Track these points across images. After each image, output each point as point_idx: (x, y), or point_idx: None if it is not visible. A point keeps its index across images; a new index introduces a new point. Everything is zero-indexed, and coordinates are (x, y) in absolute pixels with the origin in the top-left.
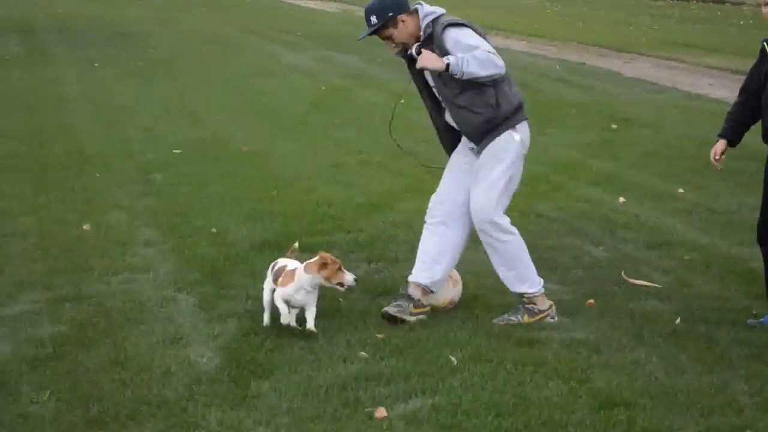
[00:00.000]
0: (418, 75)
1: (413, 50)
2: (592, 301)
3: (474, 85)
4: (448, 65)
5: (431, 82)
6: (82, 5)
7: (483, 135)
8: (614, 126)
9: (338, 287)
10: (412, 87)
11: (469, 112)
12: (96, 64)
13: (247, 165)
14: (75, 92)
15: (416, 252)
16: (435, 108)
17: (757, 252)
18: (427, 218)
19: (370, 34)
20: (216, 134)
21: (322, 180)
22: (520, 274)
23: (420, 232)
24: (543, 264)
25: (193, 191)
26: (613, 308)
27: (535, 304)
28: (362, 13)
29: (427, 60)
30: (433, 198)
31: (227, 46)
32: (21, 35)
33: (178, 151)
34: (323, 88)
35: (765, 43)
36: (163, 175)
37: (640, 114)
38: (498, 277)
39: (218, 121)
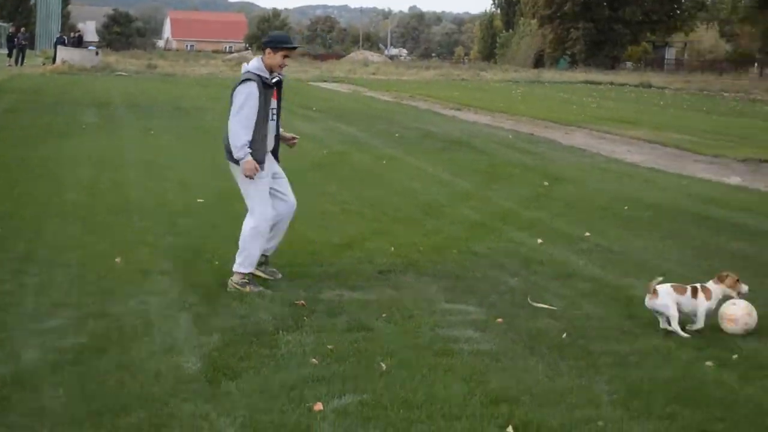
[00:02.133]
0: (275, 98)
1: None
2: (500, 319)
3: None
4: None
5: (275, 106)
6: (151, 85)
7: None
8: (546, 183)
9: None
10: (394, 152)
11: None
12: (152, 132)
13: None
14: (131, 153)
15: (372, 281)
16: (263, 122)
17: (637, 282)
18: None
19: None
20: (233, 186)
21: (309, 224)
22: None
23: (380, 267)
24: (467, 291)
25: (208, 232)
26: (516, 326)
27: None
28: (369, 93)
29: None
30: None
31: None
32: (99, 109)
33: (201, 200)
34: (325, 152)
35: None
36: (186, 219)
37: (567, 174)
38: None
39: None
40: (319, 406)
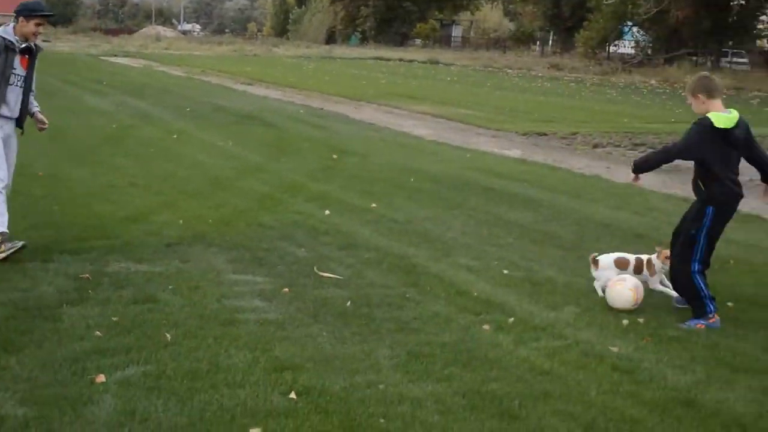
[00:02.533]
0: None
1: None
2: (287, 289)
3: None
4: None
5: (23, 73)
6: None
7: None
8: (335, 156)
9: None
10: (184, 126)
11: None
12: None
13: (40, 186)
14: None
15: (160, 253)
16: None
17: (418, 251)
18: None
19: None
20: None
21: (96, 198)
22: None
23: (167, 240)
24: (255, 262)
25: None
26: (302, 295)
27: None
28: (161, 68)
29: None
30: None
31: (45, 92)
32: None
33: None
34: (114, 126)
35: None
36: None
37: (355, 147)
38: None
39: (23, 150)
40: (101, 378)
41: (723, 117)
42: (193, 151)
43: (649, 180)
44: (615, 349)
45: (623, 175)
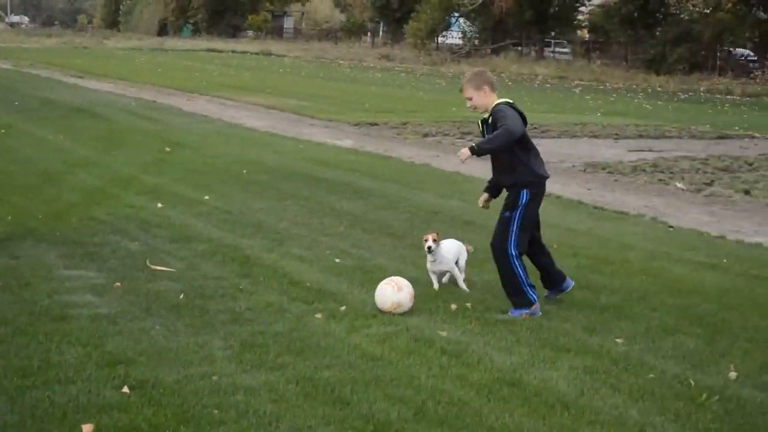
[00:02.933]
0: None
1: None
2: (119, 283)
3: None
4: None
5: None
6: None
7: None
8: (168, 149)
9: None
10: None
11: None
12: None
13: None
14: None
15: None
16: None
17: (251, 242)
18: None
19: None
20: None
21: None
22: None
23: None
24: (87, 257)
25: None
26: (135, 289)
27: None
28: None
29: None
30: None
31: None
32: None
33: None
34: None
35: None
36: None
37: (189, 139)
38: None
39: None
40: None
41: (505, 100)
42: (22, 145)
43: (475, 166)
44: (444, 334)
45: (452, 163)
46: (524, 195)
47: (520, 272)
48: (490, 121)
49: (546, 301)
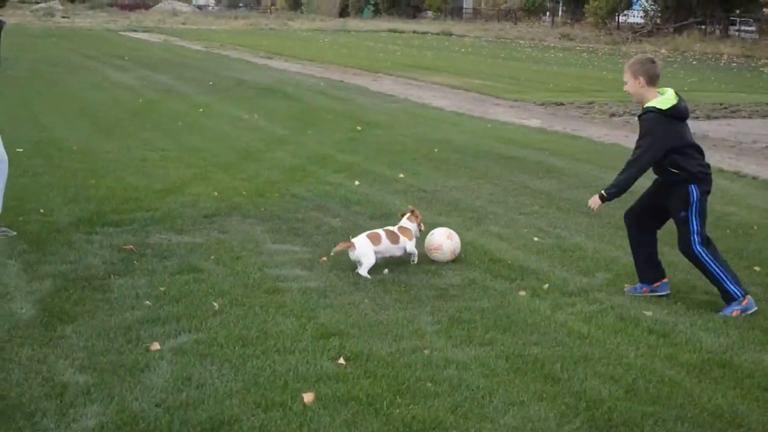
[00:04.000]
0: None
1: None
2: (325, 258)
3: None
4: None
5: None
6: None
7: None
8: (359, 128)
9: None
10: (208, 99)
11: None
12: None
13: (75, 160)
14: None
15: (198, 224)
16: None
17: (449, 219)
18: None
19: None
20: (52, 136)
21: (130, 171)
22: None
23: (204, 211)
24: (292, 232)
25: (29, 181)
26: (340, 264)
27: None
28: (180, 43)
29: None
30: None
31: (69, 68)
32: None
33: (20, 149)
34: (140, 100)
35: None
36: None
37: (378, 119)
38: None
39: (55, 125)
40: (156, 346)
41: (663, 100)
42: (220, 124)
43: None
44: (649, 314)
45: None
46: (694, 190)
47: (715, 267)
48: (640, 123)
49: (752, 282)
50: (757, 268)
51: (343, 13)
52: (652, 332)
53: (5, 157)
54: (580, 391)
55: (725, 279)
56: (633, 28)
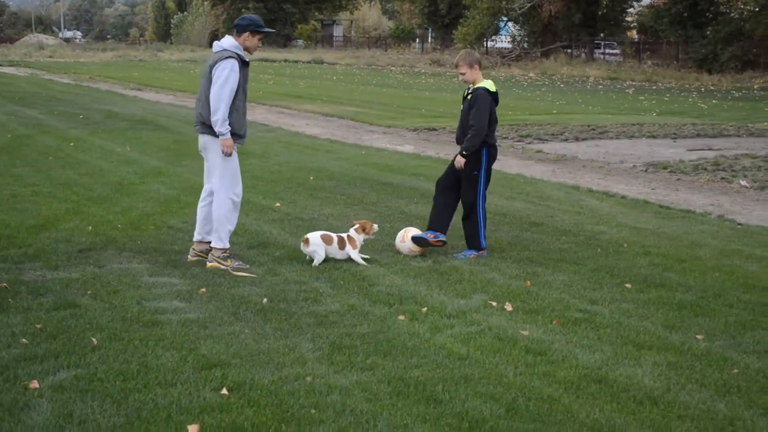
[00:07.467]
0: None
1: None
2: (204, 289)
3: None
4: None
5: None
6: None
7: None
8: None
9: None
10: (79, 133)
11: None
12: None
13: None
14: None
15: (73, 259)
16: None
17: None
18: None
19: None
20: None
21: (1, 208)
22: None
23: (79, 246)
24: (169, 264)
25: None
26: (219, 294)
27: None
28: (48, 76)
29: None
30: None
31: None
32: None
33: None
34: (9, 135)
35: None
36: None
37: (252, 148)
38: None
39: None
40: (34, 384)
41: (490, 84)
42: (92, 157)
43: (539, 170)
44: (526, 333)
45: (514, 166)
46: (484, 153)
47: (481, 219)
48: (469, 98)
49: (623, 299)
50: (628, 285)
51: (214, 42)
52: (529, 351)
53: None
54: (462, 412)
55: (482, 230)
56: (501, 53)
